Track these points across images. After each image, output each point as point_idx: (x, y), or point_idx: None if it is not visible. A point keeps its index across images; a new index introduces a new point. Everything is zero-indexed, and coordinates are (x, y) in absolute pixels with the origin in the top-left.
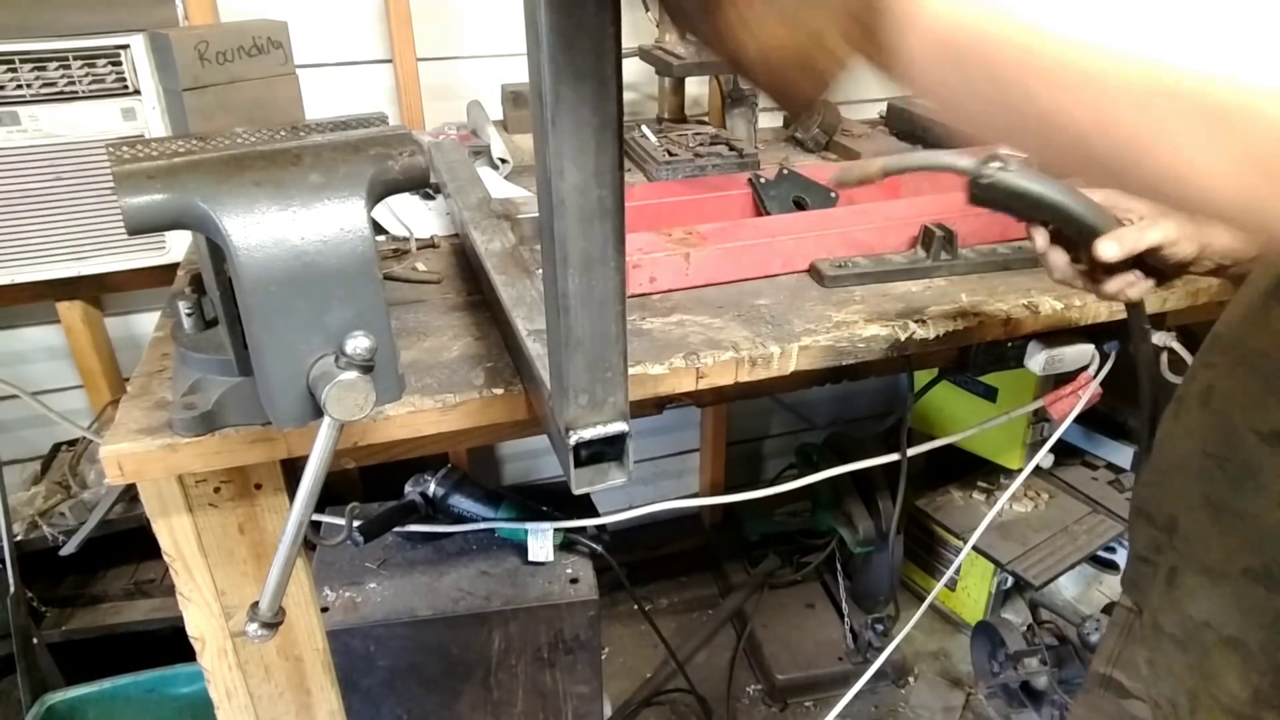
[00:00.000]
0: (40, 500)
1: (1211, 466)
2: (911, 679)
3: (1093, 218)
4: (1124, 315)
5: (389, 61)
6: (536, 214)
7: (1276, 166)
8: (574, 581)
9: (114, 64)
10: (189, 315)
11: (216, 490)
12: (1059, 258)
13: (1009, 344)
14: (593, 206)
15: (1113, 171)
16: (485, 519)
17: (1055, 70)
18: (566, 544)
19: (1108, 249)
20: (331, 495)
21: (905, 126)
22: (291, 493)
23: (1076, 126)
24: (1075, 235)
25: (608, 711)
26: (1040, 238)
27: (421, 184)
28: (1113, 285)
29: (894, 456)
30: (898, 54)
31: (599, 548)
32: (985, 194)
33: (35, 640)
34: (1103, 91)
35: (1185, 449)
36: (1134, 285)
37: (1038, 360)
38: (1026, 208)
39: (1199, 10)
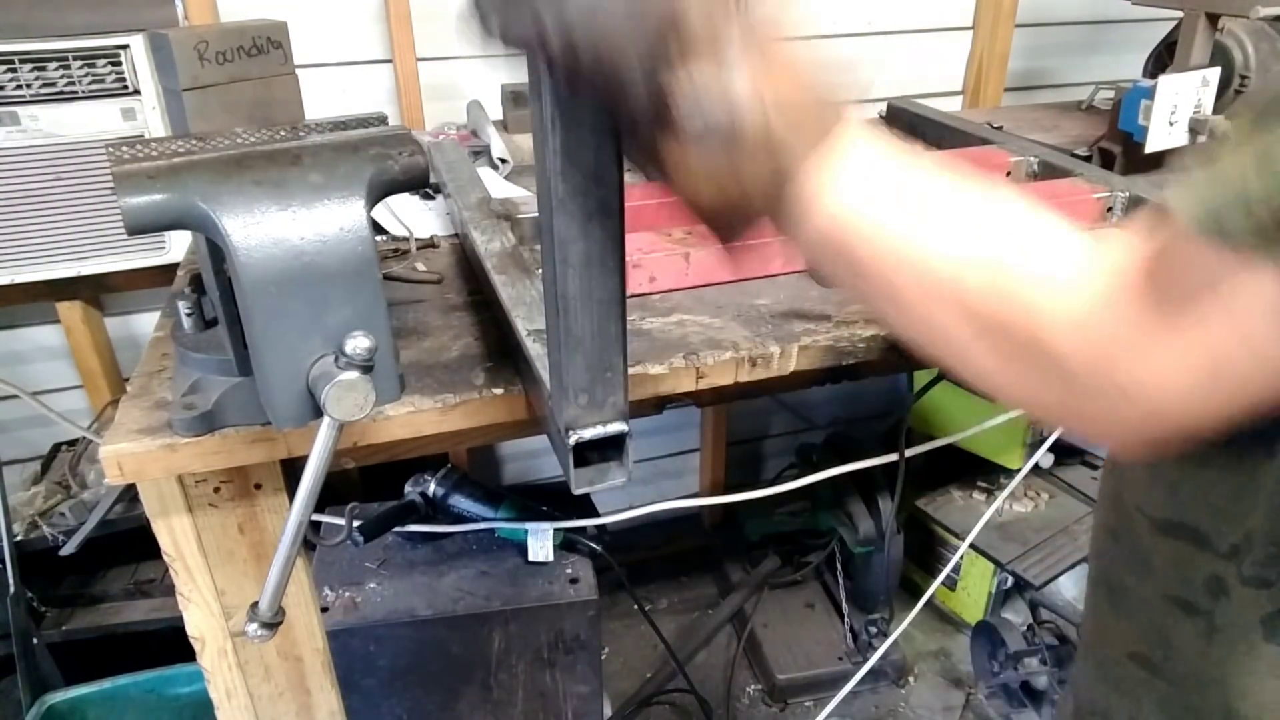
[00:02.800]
0: (40, 500)
1: (1109, 543)
2: (911, 679)
3: None
4: None
5: (389, 61)
6: (536, 214)
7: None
8: (574, 581)
9: (114, 64)
10: (189, 315)
11: (216, 490)
12: None
13: None
14: (593, 206)
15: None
16: (485, 519)
17: (891, 282)
18: (566, 544)
19: None
20: (331, 495)
21: (905, 126)
22: (291, 493)
23: (897, 309)
24: None
25: (608, 711)
26: None
27: (421, 184)
28: None
29: (894, 456)
30: (794, 233)
31: (599, 548)
32: None
33: (35, 640)
34: (915, 304)
35: (1098, 519)
36: None
37: None
38: None
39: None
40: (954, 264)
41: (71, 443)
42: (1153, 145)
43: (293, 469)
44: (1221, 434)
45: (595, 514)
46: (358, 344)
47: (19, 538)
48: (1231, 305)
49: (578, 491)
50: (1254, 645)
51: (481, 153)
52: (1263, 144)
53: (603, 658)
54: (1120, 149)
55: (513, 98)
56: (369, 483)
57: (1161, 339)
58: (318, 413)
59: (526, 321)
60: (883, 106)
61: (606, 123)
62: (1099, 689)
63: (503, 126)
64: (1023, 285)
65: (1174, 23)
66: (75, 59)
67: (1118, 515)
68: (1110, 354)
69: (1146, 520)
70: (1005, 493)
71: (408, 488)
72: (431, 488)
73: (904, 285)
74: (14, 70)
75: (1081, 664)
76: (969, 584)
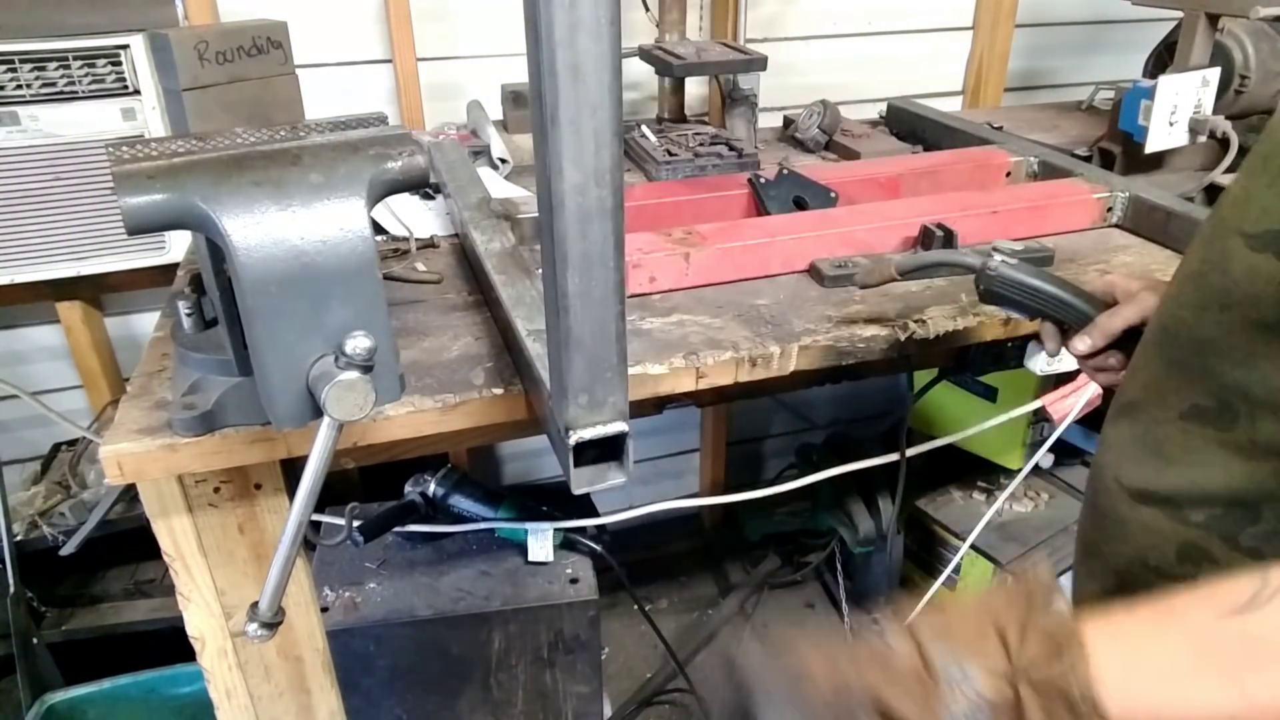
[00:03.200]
0: (40, 500)
1: (1089, 508)
2: None
3: (1086, 306)
4: None
5: (389, 61)
6: (536, 214)
7: None
8: (574, 581)
9: (114, 64)
10: (189, 315)
11: (216, 490)
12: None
13: (1009, 344)
14: (592, 206)
15: None
16: (485, 519)
17: None
18: (566, 544)
19: (1079, 344)
20: (331, 495)
21: (905, 127)
22: (291, 493)
23: None
24: (1075, 325)
25: (608, 711)
26: (1050, 340)
27: (421, 184)
28: (1104, 377)
29: (894, 456)
30: None
31: (599, 548)
32: (991, 286)
33: (35, 640)
34: None
35: (1086, 495)
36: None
37: (1038, 360)
38: (1029, 299)
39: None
40: None
41: (71, 443)
42: (1153, 145)
43: (293, 469)
44: None
45: (595, 514)
46: (358, 344)
47: (19, 538)
48: None
49: (578, 491)
50: None
51: (481, 153)
52: None
53: (603, 658)
54: (1120, 149)
55: (513, 98)
56: (369, 483)
57: None
58: (318, 413)
59: (526, 321)
60: (883, 107)
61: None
62: None
63: (503, 126)
64: None
65: (1174, 23)
66: (75, 59)
67: (1096, 487)
68: None
69: (1123, 490)
70: (1006, 493)
71: (408, 488)
72: (431, 488)
73: None
74: (14, 70)
75: None
76: (969, 584)
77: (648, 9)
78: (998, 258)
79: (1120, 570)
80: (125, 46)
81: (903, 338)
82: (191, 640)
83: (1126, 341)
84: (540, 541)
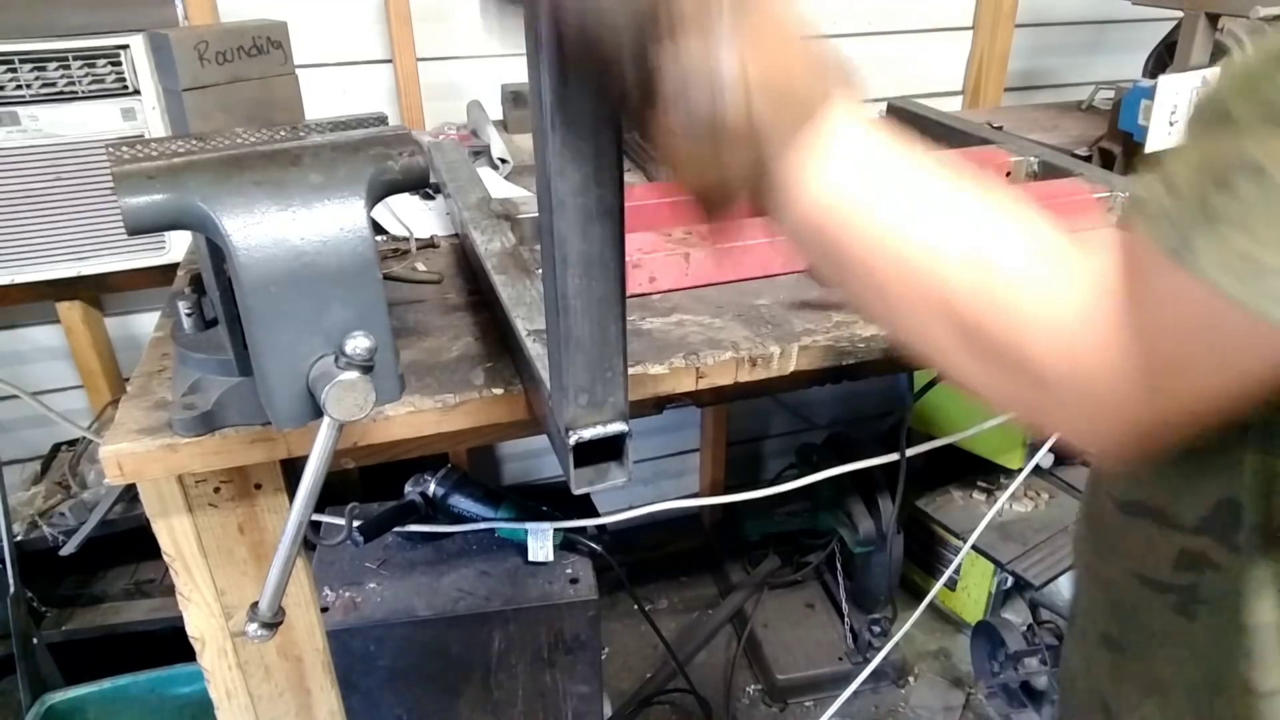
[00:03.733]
0: (40, 500)
1: (1084, 527)
2: (911, 679)
3: None
4: None
5: (389, 61)
6: (536, 214)
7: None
8: (574, 581)
9: (114, 64)
10: (189, 315)
11: (216, 490)
12: None
13: None
14: (593, 206)
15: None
16: (485, 519)
17: (875, 274)
18: (566, 544)
19: None
20: (331, 495)
21: (905, 127)
22: (291, 493)
23: (883, 305)
24: None
25: (608, 711)
26: None
27: (421, 184)
28: None
29: (894, 456)
30: (778, 221)
31: (599, 548)
32: None
33: (35, 640)
34: (899, 298)
35: (1080, 507)
36: None
37: None
38: None
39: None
40: (942, 262)
41: (71, 443)
42: (1153, 145)
43: (293, 469)
44: (1198, 431)
45: (595, 514)
46: (358, 344)
47: (19, 538)
48: (1170, 316)
49: (578, 491)
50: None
51: (481, 153)
52: (1197, 152)
53: (603, 658)
54: (1120, 149)
55: (513, 98)
56: (369, 483)
57: (1129, 351)
58: (318, 413)
59: (526, 321)
60: (883, 106)
61: (606, 120)
62: (1076, 669)
63: (503, 126)
64: (1008, 289)
65: (1174, 23)
66: (75, 59)
67: (1092, 500)
68: (1086, 364)
69: (1112, 502)
70: (1007, 494)
71: (408, 488)
72: (431, 488)
73: (889, 281)
74: (14, 70)
75: (1067, 641)
76: (969, 584)
77: None
78: None
79: (1114, 583)
80: (125, 46)
81: None
82: (191, 640)
83: None
84: (540, 541)
